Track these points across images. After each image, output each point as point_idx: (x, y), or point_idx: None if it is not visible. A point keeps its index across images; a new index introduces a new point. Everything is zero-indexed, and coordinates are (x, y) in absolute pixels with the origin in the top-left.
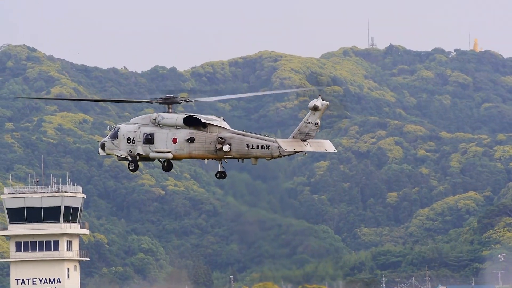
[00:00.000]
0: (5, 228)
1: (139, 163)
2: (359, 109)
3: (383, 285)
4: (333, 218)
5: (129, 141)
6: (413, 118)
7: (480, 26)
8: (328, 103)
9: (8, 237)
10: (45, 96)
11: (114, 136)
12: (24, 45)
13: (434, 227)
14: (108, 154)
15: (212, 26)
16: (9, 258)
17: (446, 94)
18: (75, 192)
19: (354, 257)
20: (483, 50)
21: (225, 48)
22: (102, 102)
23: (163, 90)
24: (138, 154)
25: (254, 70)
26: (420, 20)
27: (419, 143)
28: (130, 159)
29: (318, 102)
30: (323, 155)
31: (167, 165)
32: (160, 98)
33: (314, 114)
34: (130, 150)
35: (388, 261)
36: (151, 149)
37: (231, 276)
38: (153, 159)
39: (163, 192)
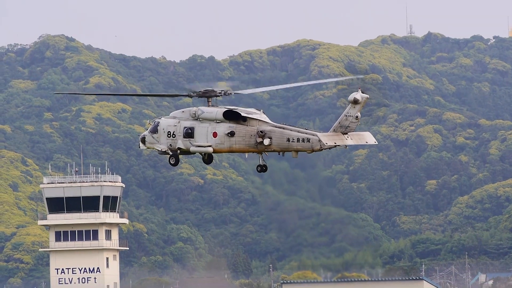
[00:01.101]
0: (44, 218)
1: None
2: (398, 97)
3: (423, 273)
4: (372, 206)
5: (169, 135)
6: (452, 106)
7: None
8: (368, 96)
9: (48, 227)
10: (86, 90)
11: (154, 130)
12: (62, 35)
13: (474, 215)
14: (148, 148)
15: (250, 15)
16: (48, 247)
17: (485, 82)
18: (114, 182)
19: (393, 245)
20: None
21: (263, 37)
22: (140, 91)
23: (202, 80)
24: (179, 148)
25: (293, 58)
26: (458, 8)
27: (458, 130)
28: (170, 153)
29: (358, 95)
30: None
31: (207, 158)
32: (199, 91)
33: (354, 107)
34: (170, 144)
35: (427, 249)
36: (191, 143)
37: (270, 265)
38: (193, 153)
39: (202, 181)
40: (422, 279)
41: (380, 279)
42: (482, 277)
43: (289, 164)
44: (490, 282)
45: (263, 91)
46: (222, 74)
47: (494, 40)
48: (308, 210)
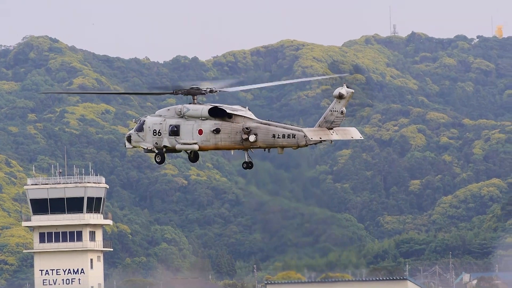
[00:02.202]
0: (28, 219)
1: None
2: (382, 97)
3: (407, 273)
4: (356, 207)
5: (155, 133)
6: (435, 106)
7: (503, 12)
8: (353, 90)
9: (32, 228)
10: (71, 90)
11: (140, 128)
12: (46, 36)
13: (458, 215)
14: (134, 147)
15: (233, 15)
16: (33, 249)
17: (468, 81)
18: (98, 183)
19: (377, 245)
20: (505, 36)
21: (246, 37)
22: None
23: (185, 80)
24: (165, 146)
25: (276, 59)
26: (442, 7)
27: (442, 130)
28: (156, 151)
29: (343, 90)
30: (345, 143)
31: (193, 156)
32: (185, 89)
33: (339, 102)
34: (156, 143)
35: (411, 249)
36: (177, 141)
37: (254, 265)
38: (179, 151)
39: (186, 182)
40: (406, 279)
41: (364, 279)
42: (466, 277)
43: (273, 164)
44: (474, 281)
45: (246, 91)
46: (206, 74)
47: (477, 39)
48: (292, 211)
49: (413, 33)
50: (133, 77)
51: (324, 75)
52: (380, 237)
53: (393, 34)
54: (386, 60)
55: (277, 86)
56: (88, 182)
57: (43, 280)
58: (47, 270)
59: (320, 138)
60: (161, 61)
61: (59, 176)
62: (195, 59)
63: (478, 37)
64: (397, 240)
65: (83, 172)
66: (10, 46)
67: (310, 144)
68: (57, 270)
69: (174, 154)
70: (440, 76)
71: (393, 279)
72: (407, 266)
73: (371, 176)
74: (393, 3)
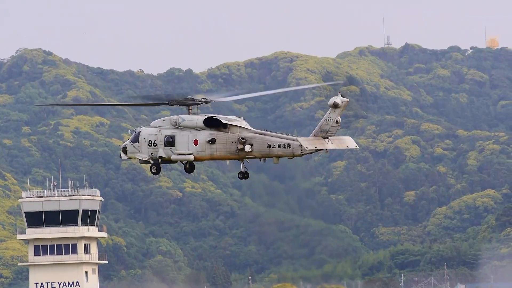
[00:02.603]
0: (23, 232)
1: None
2: (376, 108)
3: (402, 284)
4: (351, 218)
5: (150, 144)
6: (429, 117)
7: (496, 23)
8: (348, 100)
9: (27, 241)
10: (65, 103)
11: (135, 139)
12: (40, 48)
13: (452, 226)
14: (129, 158)
15: (227, 27)
16: (27, 262)
17: (462, 92)
18: (93, 195)
19: (372, 257)
20: (499, 47)
21: (240, 49)
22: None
23: (180, 92)
24: (160, 157)
25: (270, 71)
26: (435, 19)
27: (436, 141)
28: (152, 162)
29: (338, 99)
30: (339, 155)
31: (189, 167)
32: (180, 100)
33: (334, 111)
34: (151, 153)
35: (406, 260)
36: (172, 152)
37: (250, 277)
38: (175, 162)
39: (181, 194)
40: None
41: None
42: None
43: (268, 176)
44: None
45: (240, 102)
46: (200, 87)
47: (471, 50)
48: (287, 222)
49: (406, 45)
50: (127, 89)
51: (317, 86)
52: (375, 248)
53: (387, 45)
54: (380, 71)
55: (272, 98)
56: (82, 195)
57: None
58: (42, 283)
59: (316, 147)
60: (155, 73)
61: (54, 188)
62: (189, 71)
63: (471, 48)
64: (392, 252)
65: (78, 184)
66: (4, 59)
67: (306, 154)
68: (52, 283)
69: (169, 166)
70: (434, 87)
71: None
72: (402, 277)
73: (366, 188)
74: (386, 15)
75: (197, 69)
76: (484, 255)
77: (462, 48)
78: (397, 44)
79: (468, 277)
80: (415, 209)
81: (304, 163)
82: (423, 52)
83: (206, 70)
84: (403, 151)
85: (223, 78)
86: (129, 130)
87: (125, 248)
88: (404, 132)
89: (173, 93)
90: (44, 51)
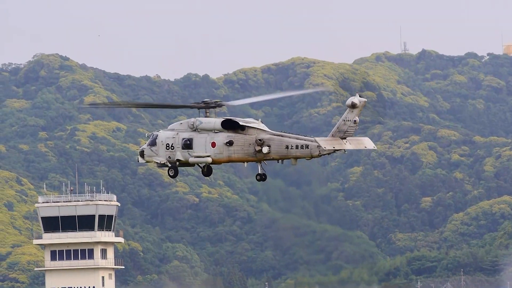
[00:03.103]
0: (40, 237)
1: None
2: (393, 114)
3: None
4: (367, 224)
5: (168, 147)
6: (446, 123)
7: None
8: (365, 100)
9: (43, 246)
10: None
11: (153, 143)
12: (56, 54)
13: (469, 232)
14: (147, 162)
15: (244, 33)
16: (44, 267)
17: (479, 99)
18: (109, 201)
19: (389, 263)
20: None
21: (257, 55)
22: (135, 110)
23: (196, 98)
24: (178, 160)
25: (287, 76)
26: (452, 25)
27: (453, 147)
28: (169, 165)
29: (356, 99)
30: (356, 160)
31: (207, 170)
32: (198, 102)
33: (352, 111)
34: (169, 156)
35: (423, 266)
36: (190, 154)
37: (266, 283)
38: (192, 165)
39: (197, 200)
40: None
41: None
42: None
43: (284, 181)
44: None
45: (257, 108)
46: (217, 92)
47: (488, 57)
48: (303, 228)
49: (423, 51)
50: (143, 94)
51: (335, 92)
52: (392, 254)
53: (403, 51)
54: (397, 77)
55: (288, 103)
56: (99, 200)
57: None
58: None
59: (334, 147)
60: (172, 79)
61: (70, 194)
62: (206, 76)
63: (488, 54)
64: (408, 257)
65: (94, 190)
66: (21, 64)
67: (324, 154)
68: None
69: (186, 172)
70: (451, 93)
71: None
72: (418, 283)
73: (383, 193)
74: (403, 21)
75: (214, 75)
76: (501, 261)
77: (479, 54)
78: (414, 50)
79: (484, 284)
80: (432, 215)
81: (321, 169)
82: (440, 58)
83: (222, 76)
84: (419, 157)
85: (240, 83)
86: (146, 134)
87: (141, 253)
88: (420, 138)
89: (190, 99)
90: (61, 56)
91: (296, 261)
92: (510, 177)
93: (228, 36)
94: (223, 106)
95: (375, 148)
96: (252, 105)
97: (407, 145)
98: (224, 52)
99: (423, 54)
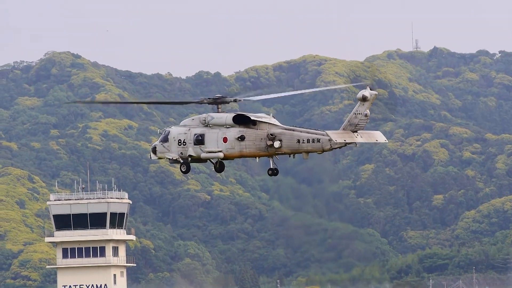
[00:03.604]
0: (51, 235)
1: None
2: (404, 112)
3: (430, 287)
4: (379, 222)
5: (180, 143)
6: (458, 121)
7: None
8: (376, 93)
9: (55, 244)
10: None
11: (165, 139)
12: (68, 51)
13: (481, 229)
14: (159, 158)
15: (256, 31)
16: (56, 264)
17: (491, 96)
18: (121, 198)
19: (400, 260)
20: None
21: (269, 53)
22: (147, 108)
23: (208, 96)
24: (190, 156)
25: (299, 74)
26: (464, 22)
27: (465, 145)
28: (181, 161)
29: (367, 92)
30: (368, 158)
31: (219, 166)
32: (210, 98)
33: (363, 104)
34: (181, 152)
35: (434, 264)
36: (202, 150)
37: (278, 281)
38: (205, 160)
39: (209, 197)
40: None
41: None
42: None
43: (295, 179)
44: None
45: (269, 105)
46: (228, 90)
47: (500, 54)
48: (315, 226)
49: (435, 48)
50: (155, 92)
51: (346, 90)
52: (404, 252)
53: (415, 49)
54: (408, 75)
55: (300, 101)
56: (111, 198)
57: None
58: (70, 286)
59: (345, 140)
60: (183, 77)
61: (82, 191)
62: (217, 74)
63: (500, 51)
64: (420, 255)
65: (106, 187)
66: (32, 62)
67: (335, 148)
68: (80, 285)
69: (197, 169)
70: (463, 91)
71: None
72: (430, 281)
73: (394, 191)
74: (415, 18)
75: (226, 72)
76: None
77: (491, 52)
78: (426, 48)
79: (496, 281)
80: (444, 212)
81: (332, 166)
82: (452, 55)
83: (234, 73)
84: (431, 154)
85: (251, 81)
86: (158, 131)
87: (153, 251)
88: (432, 135)
89: (201, 96)
90: (73, 54)
91: (307, 259)
92: None
93: (239, 34)
94: (235, 103)
95: (387, 141)
96: (263, 102)
97: (419, 142)
98: (236, 50)
99: (435, 51)
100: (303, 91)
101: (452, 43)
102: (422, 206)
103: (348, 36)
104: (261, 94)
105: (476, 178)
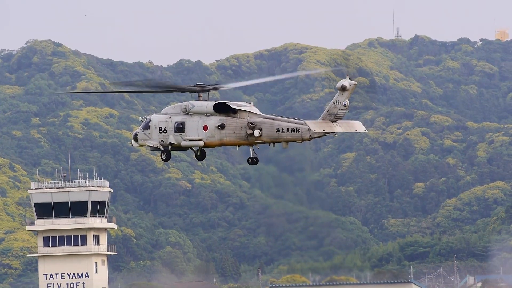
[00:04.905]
0: (32, 223)
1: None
2: (385, 100)
3: (411, 276)
4: (360, 210)
5: (160, 131)
6: (439, 109)
7: (506, 15)
8: (355, 82)
9: (36, 232)
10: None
11: (146, 126)
12: (49, 40)
13: (462, 217)
14: (141, 145)
15: (237, 19)
16: (37, 253)
17: (472, 84)
18: (102, 187)
19: (381, 248)
20: (509, 39)
21: (250, 41)
22: (128, 96)
23: (189, 84)
24: (170, 144)
25: (280, 62)
26: (445, 11)
27: (446, 133)
28: (162, 149)
29: (346, 82)
30: (349, 146)
31: (200, 154)
32: (191, 86)
33: (342, 94)
34: (162, 140)
35: (415, 252)
36: (182, 138)
37: (259, 269)
38: (185, 148)
39: (190, 186)
40: (410, 282)
41: (368, 282)
42: (470, 280)
43: (277, 167)
44: (479, 284)
45: (250, 93)
46: (210, 78)
47: (481, 42)
48: (296, 214)
49: (416, 36)
50: (136, 81)
51: (328, 78)
52: (385, 240)
53: (396, 37)
54: (389, 63)
55: (281, 89)
56: (92, 186)
57: (48, 284)
58: (51, 274)
59: (324, 130)
60: (164, 65)
61: (63, 180)
62: (198, 62)
63: (481, 40)
64: (401, 243)
65: (87, 176)
66: (14, 50)
67: (314, 137)
68: (61, 274)
69: (178, 157)
70: (444, 79)
71: (398, 282)
72: (411, 269)
73: (375, 179)
74: (396, 7)
75: (207, 61)
76: (494, 247)
77: (472, 40)
78: (407, 36)
79: (477, 269)
80: (425, 200)
81: (313, 155)
82: (433, 44)
83: (215, 62)
84: (412, 142)
85: (233, 69)
86: (139, 118)
87: (134, 239)
88: (413, 123)
89: (182, 85)
90: (54, 43)
91: (288, 247)
92: (503, 162)
93: (220, 22)
94: (216, 91)
95: (366, 131)
96: (245, 90)
97: (400, 130)
98: (217, 38)
99: (416, 39)
100: (280, 77)
101: (433, 31)
102: (403, 194)
103: (329, 25)
104: (240, 89)
105: (457, 166)
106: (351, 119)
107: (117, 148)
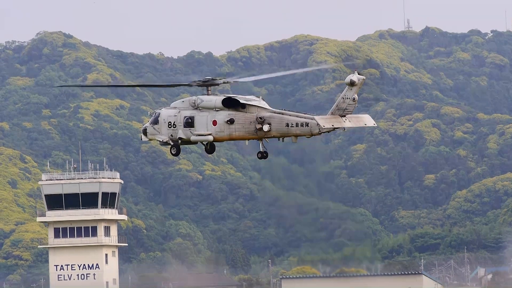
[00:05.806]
0: (43, 215)
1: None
2: (396, 91)
3: (422, 267)
4: (370, 201)
5: (170, 126)
6: (450, 100)
7: None
8: (364, 77)
9: (47, 224)
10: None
11: (155, 121)
12: (60, 31)
13: (472, 209)
14: (150, 140)
15: (247, 11)
16: (47, 244)
17: (483, 76)
18: (113, 178)
19: (392, 240)
20: None
21: (260, 32)
22: (138, 88)
23: (199, 75)
24: (180, 138)
25: (290, 54)
26: (456, 2)
27: (456, 125)
28: (171, 143)
29: (355, 77)
30: (359, 138)
31: (210, 147)
32: (199, 80)
33: (351, 89)
34: (171, 135)
35: (426, 244)
36: (191, 133)
37: (269, 260)
38: (194, 143)
39: (200, 177)
40: (421, 274)
41: (379, 273)
42: (481, 271)
43: (287, 159)
44: (489, 276)
45: (260, 85)
46: (220, 70)
47: (491, 34)
48: (306, 206)
49: (427, 28)
50: (147, 72)
51: (338, 70)
52: (395, 231)
53: (407, 29)
54: (400, 54)
55: (291, 81)
56: (102, 178)
57: (58, 275)
58: (62, 266)
59: (333, 125)
60: (175, 57)
61: (74, 171)
62: (209, 54)
63: (492, 31)
64: (412, 235)
65: (98, 167)
66: (24, 42)
67: (323, 132)
68: (72, 265)
69: (188, 149)
70: (454, 70)
71: (408, 274)
72: (422, 260)
73: (386, 171)
74: None
75: (217, 52)
76: (504, 238)
77: (483, 31)
78: (418, 28)
79: (488, 261)
80: (435, 192)
81: (324, 147)
82: (443, 35)
83: (226, 53)
84: (423, 134)
85: (243, 61)
86: (149, 112)
87: (144, 230)
88: (424, 115)
89: (193, 76)
90: (65, 34)
91: (299, 238)
92: None
93: (231, 13)
94: (227, 83)
95: (375, 125)
96: (255, 83)
97: (411, 122)
98: (227, 29)
99: (427, 31)
100: (291, 72)
101: (444, 23)
102: (413, 185)
103: (340, 16)
104: (250, 75)
105: (468, 157)
106: (361, 112)
107: (127, 140)
